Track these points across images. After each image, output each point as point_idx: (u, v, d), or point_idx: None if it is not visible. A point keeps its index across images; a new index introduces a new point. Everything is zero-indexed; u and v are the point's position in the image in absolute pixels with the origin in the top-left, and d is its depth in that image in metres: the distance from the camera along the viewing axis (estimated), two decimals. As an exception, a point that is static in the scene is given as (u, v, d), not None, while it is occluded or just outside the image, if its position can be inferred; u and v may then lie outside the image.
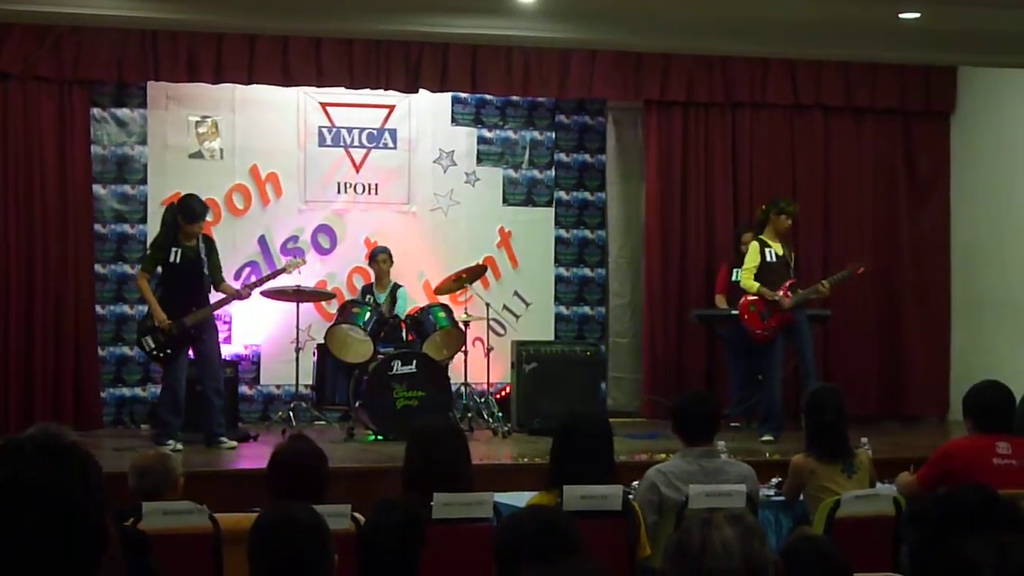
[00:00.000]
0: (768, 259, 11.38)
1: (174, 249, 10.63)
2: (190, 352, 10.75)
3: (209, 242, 10.91)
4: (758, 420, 11.74)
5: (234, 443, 10.68)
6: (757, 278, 11.34)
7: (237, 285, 11.48)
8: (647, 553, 6.00)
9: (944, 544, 3.15)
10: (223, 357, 11.27)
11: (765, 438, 11.10)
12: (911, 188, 13.87)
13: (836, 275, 11.72)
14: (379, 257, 12.25)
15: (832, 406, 6.89)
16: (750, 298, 11.38)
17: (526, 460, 9.81)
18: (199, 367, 10.73)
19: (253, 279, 11.84)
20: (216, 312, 11.04)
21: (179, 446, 10.14)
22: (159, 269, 10.75)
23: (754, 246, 11.45)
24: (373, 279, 12.36)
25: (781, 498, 7.06)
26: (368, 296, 12.07)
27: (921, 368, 13.62)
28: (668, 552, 2.98)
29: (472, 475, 5.94)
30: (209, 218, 11.14)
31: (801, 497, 6.88)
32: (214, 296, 10.92)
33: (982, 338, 13.31)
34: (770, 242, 11.43)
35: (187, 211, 10.70)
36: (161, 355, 10.63)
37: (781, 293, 11.28)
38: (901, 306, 13.67)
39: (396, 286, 12.24)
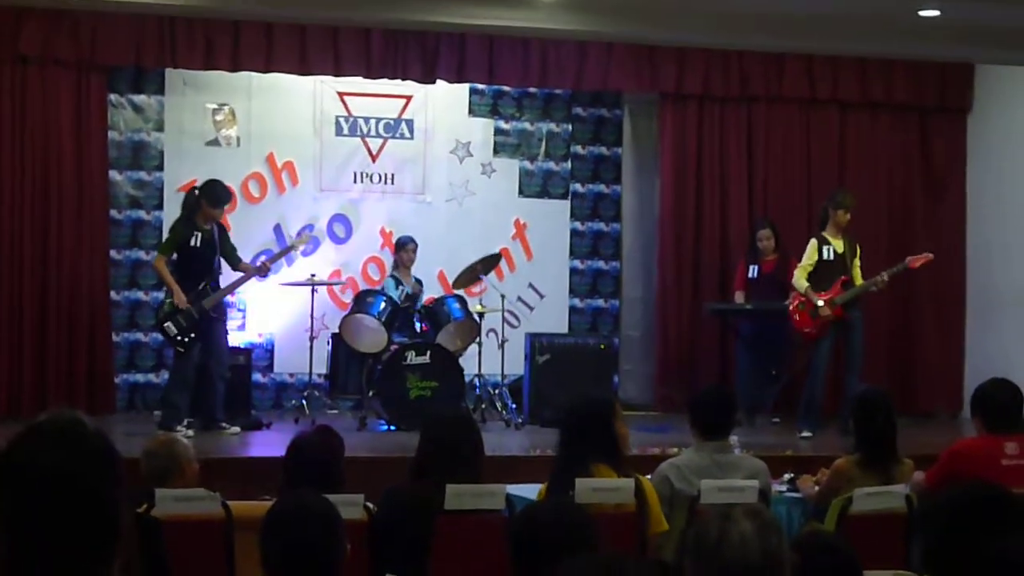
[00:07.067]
0: (825, 256, 11.24)
1: (196, 233, 10.64)
2: None
3: (222, 227, 10.92)
4: (761, 416, 11.74)
5: (237, 429, 10.67)
6: (812, 275, 11.23)
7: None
8: (664, 528, 5.98)
9: (969, 543, 3.13)
10: (236, 345, 11.23)
11: (804, 434, 11.02)
12: (926, 184, 13.80)
13: (894, 267, 11.46)
14: (409, 246, 12.12)
15: (884, 410, 6.68)
16: (799, 297, 11.28)
17: (538, 452, 9.80)
18: (207, 352, 10.65)
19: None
20: (228, 298, 11.06)
21: (190, 432, 10.12)
22: (175, 255, 10.74)
23: (812, 244, 11.32)
24: (393, 267, 12.25)
25: (794, 494, 7.02)
26: (400, 285, 11.93)
27: (935, 364, 13.57)
28: (686, 545, 2.99)
29: (482, 465, 5.91)
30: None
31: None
32: (227, 279, 10.91)
33: (996, 335, 13.27)
34: (831, 239, 11.29)
35: (212, 196, 10.71)
36: (185, 339, 10.51)
37: (826, 298, 11.17)
38: (915, 302, 13.59)
39: (417, 279, 12.21)
